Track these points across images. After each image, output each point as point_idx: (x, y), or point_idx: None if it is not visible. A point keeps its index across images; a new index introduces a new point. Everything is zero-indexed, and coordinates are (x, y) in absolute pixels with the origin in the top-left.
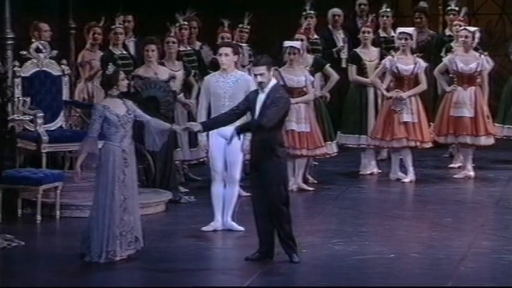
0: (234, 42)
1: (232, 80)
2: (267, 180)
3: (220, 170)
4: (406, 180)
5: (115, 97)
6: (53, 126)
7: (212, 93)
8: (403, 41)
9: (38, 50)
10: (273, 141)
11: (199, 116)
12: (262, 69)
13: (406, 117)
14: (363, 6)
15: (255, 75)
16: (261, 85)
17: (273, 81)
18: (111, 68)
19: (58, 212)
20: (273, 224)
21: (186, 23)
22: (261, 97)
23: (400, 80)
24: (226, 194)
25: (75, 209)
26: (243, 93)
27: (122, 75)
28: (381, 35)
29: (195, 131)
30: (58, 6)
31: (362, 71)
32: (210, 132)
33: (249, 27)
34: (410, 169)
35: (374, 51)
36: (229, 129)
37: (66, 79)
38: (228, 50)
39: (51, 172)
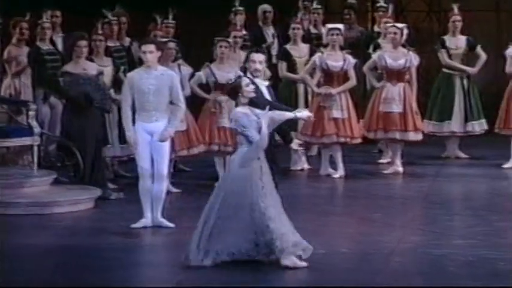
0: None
1: (156, 76)
2: (275, 177)
3: (148, 166)
4: (336, 175)
5: (245, 104)
6: None
7: (136, 90)
8: (334, 37)
9: None
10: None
11: (124, 112)
12: (262, 57)
13: (336, 114)
14: (306, 3)
15: (254, 61)
16: (256, 72)
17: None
18: (233, 78)
19: None
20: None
21: (115, 18)
22: (264, 89)
23: (330, 76)
24: (155, 191)
25: None
26: (167, 88)
27: (245, 81)
28: (312, 32)
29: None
30: None
31: (292, 67)
32: (135, 128)
33: (174, 22)
34: (340, 165)
35: (304, 48)
36: (153, 125)
37: None
38: (152, 47)
39: None
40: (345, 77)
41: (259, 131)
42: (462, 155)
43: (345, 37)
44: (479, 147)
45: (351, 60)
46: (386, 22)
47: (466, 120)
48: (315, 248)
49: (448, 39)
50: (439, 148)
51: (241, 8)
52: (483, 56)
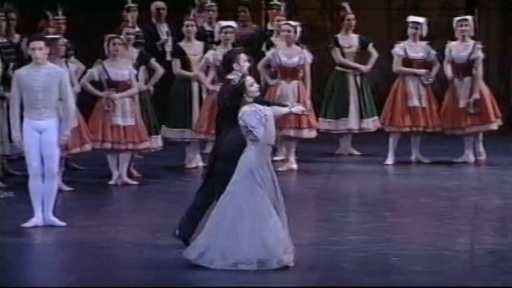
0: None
1: (45, 73)
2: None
3: (37, 165)
4: None
5: (251, 103)
6: None
7: (24, 87)
8: (227, 35)
9: None
10: None
11: (12, 111)
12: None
13: None
14: (201, 0)
15: (246, 61)
16: (247, 72)
17: None
18: (236, 79)
19: None
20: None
21: (2, 14)
22: None
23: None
24: (45, 189)
25: None
26: (56, 86)
27: (248, 81)
28: (206, 29)
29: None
30: None
31: (186, 64)
32: (24, 126)
33: (65, 18)
34: None
35: (198, 45)
36: (42, 122)
37: None
38: (41, 43)
39: None
40: None
41: (265, 127)
42: (355, 152)
43: (239, 35)
44: (371, 144)
45: None
46: (279, 20)
47: (361, 117)
48: None
49: (341, 38)
50: (332, 145)
51: (134, 5)
52: (375, 54)
